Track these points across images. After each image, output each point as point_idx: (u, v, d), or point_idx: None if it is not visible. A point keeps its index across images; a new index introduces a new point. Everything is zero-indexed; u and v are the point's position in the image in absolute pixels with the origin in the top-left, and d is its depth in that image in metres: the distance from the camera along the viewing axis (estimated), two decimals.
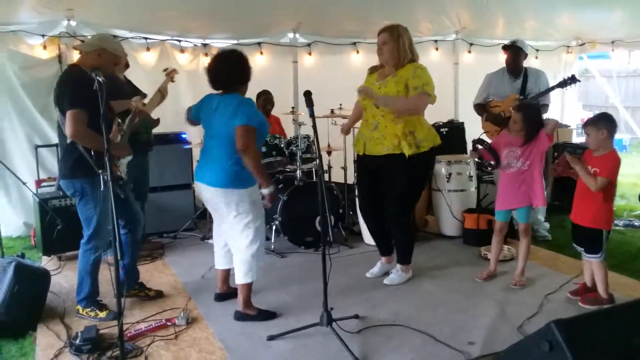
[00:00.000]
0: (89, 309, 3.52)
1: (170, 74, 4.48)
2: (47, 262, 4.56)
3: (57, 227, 4.43)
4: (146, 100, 4.09)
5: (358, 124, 4.14)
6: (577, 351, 1.84)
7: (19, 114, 5.37)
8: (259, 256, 3.44)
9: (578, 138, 8.09)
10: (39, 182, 5.26)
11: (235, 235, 3.42)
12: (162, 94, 4.26)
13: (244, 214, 3.36)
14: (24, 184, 4.76)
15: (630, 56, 12.17)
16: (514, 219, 4.07)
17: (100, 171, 2.99)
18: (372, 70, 4.01)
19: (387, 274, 4.11)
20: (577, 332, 1.87)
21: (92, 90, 2.81)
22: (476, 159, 3.92)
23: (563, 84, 4.89)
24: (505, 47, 5.00)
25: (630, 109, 12.08)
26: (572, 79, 4.82)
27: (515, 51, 4.93)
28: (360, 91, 3.76)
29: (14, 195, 5.50)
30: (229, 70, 3.38)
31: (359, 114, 4.12)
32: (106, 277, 4.03)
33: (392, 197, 3.85)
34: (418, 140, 3.75)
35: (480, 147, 3.94)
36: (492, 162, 3.90)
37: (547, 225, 5.16)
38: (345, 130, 4.30)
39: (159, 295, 3.89)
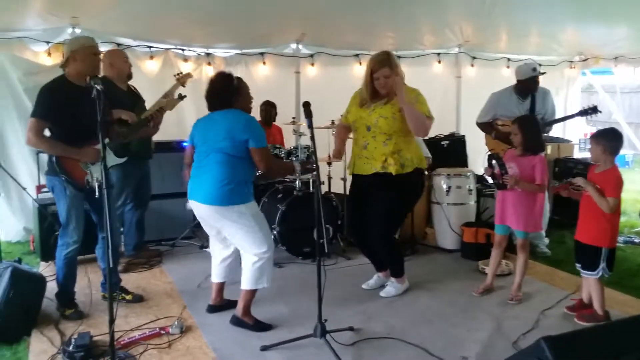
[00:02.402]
0: (61, 306, 3.66)
1: (182, 79, 4.51)
2: (44, 268, 4.56)
3: (55, 233, 4.44)
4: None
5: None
6: None
7: (22, 119, 5.37)
8: (270, 263, 3.46)
9: (580, 153, 8.08)
10: (39, 188, 5.27)
11: (246, 246, 3.41)
12: (168, 99, 4.32)
13: (249, 225, 3.35)
14: (24, 189, 4.79)
15: (635, 72, 12.16)
16: (513, 233, 4.06)
17: (62, 176, 3.38)
18: (361, 100, 3.85)
19: (383, 286, 4.10)
20: (567, 349, 1.86)
21: (63, 100, 3.05)
22: (488, 176, 3.87)
23: (584, 112, 4.86)
24: (535, 78, 4.86)
25: (634, 124, 12.04)
26: (594, 110, 4.80)
27: (538, 78, 4.90)
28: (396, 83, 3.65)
29: (14, 200, 5.53)
30: (219, 92, 3.45)
31: (344, 137, 4.11)
32: (94, 282, 4.12)
33: (377, 217, 3.84)
34: (403, 160, 3.74)
35: (495, 163, 3.79)
36: (502, 182, 3.74)
37: (547, 240, 5.13)
38: (337, 154, 4.08)
39: (138, 299, 3.92)
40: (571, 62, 8.18)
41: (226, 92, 3.45)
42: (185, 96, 4.33)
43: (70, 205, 3.52)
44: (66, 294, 3.69)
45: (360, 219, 3.97)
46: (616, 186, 3.33)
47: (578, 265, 3.56)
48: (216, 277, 3.73)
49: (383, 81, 3.67)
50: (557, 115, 5.14)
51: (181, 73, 4.67)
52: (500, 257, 4.11)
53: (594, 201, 3.35)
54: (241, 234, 3.38)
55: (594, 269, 3.42)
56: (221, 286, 3.75)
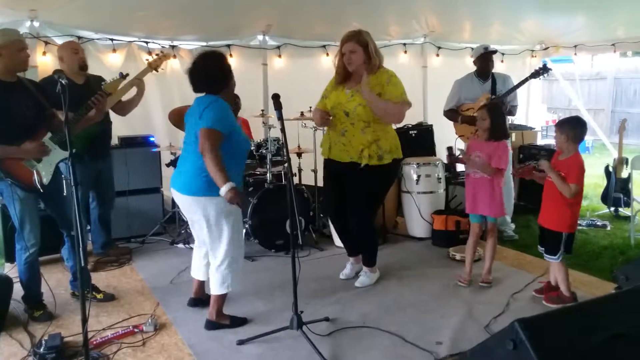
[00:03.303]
0: (30, 308, 3.57)
1: (154, 62, 4.26)
2: (10, 269, 4.43)
3: None
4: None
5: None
6: (540, 349, 1.88)
7: None
8: (235, 267, 3.33)
9: (543, 140, 8.29)
10: None
11: (217, 245, 3.29)
12: (137, 85, 4.17)
13: (219, 224, 3.23)
14: None
15: (594, 60, 12.50)
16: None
17: (8, 180, 3.26)
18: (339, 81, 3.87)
19: (357, 276, 4.13)
20: (540, 330, 1.92)
21: None
22: (451, 160, 4.06)
23: (535, 74, 5.01)
24: (484, 54, 5.06)
25: (592, 111, 12.40)
26: (545, 69, 4.93)
27: (490, 56, 5.07)
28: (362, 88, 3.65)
29: None
30: (206, 71, 3.25)
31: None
32: (62, 281, 4.04)
33: (354, 205, 3.87)
34: (382, 151, 3.75)
35: (456, 152, 3.95)
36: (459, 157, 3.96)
37: (513, 225, 5.26)
38: (322, 121, 3.93)
39: (109, 298, 3.84)
40: (533, 50, 8.34)
41: (221, 73, 3.27)
42: (127, 74, 4.11)
43: (22, 208, 3.38)
44: (33, 297, 3.60)
45: (341, 202, 3.97)
46: (578, 173, 3.42)
47: (541, 249, 3.67)
48: (197, 275, 3.65)
49: (348, 56, 3.69)
50: (519, 100, 5.29)
51: (159, 53, 4.37)
52: (476, 245, 4.12)
53: (557, 187, 3.44)
54: (208, 232, 3.26)
55: (556, 253, 3.53)
56: (202, 282, 3.70)
